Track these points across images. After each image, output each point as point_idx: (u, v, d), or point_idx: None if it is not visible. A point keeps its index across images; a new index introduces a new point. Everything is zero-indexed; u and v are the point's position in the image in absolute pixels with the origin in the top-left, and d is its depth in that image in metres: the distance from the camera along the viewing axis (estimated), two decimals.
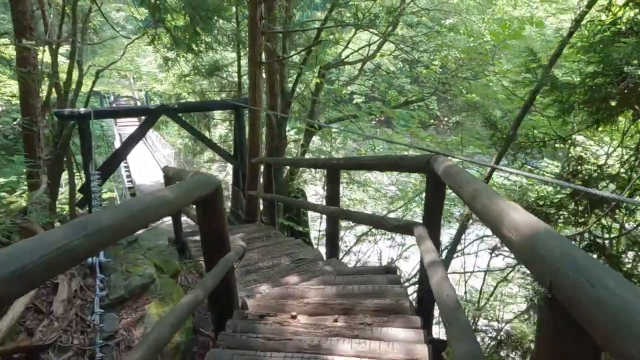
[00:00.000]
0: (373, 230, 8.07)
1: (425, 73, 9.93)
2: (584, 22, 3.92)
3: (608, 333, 0.68)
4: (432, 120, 12.86)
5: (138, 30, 11.54)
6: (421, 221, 2.49)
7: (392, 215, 9.08)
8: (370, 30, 7.74)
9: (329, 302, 2.43)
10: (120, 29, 17.41)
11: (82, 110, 7.01)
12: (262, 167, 6.45)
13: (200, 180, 2.06)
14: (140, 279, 3.04)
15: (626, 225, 3.10)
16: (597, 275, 0.76)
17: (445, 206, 2.51)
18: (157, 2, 6.73)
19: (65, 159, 8.45)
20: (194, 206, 2.42)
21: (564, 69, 5.34)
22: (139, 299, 2.95)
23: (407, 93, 12.21)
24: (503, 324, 5.57)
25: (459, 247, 6.01)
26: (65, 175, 9.21)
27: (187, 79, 11.40)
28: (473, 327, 5.07)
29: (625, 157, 3.13)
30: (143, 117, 8.88)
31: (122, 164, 15.18)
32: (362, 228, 8.64)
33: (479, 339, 4.21)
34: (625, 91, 2.29)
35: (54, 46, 7.50)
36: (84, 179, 7.28)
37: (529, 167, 4.65)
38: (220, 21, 8.68)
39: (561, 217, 2.80)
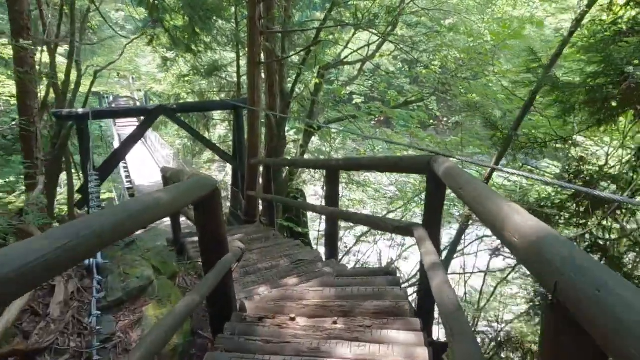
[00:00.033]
0: (372, 230, 8.05)
1: (424, 73, 9.92)
2: (584, 21, 3.90)
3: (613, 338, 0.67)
4: (431, 121, 12.84)
5: (137, 30, 11.52)
6: (421, 222, 2.47)
7: (391, 215, 9.06)
8: (370, 30, 7.72)
9: (328, 304, 2.41)
10: (120, 29, 17.40)
11: (80, 110, 6.99)
12: (261, 168, 6.43)
13: (197, 181, 2.04)
14: (138, 280, 3.01)
15: (627, 226, 3.08)
16: (603, 279, 0.74)
17: (444, 206, 2.49)
18: (156, 2, 6.71)
19: (63, 160, 8.43)
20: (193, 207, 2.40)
21: (563, 69, 5.32)
22: (137, 301, 2.93)
23: (407, 93, 12.20)
24: (503, 325, 5.55)
25: (458, 247, 5.99)
26: (64, 176, 9.18)
27: (186, 79, 11.38)
28: (473, 329, 5.05)
29: (626, 157, 3.12)
30: (142, 118, 8.84)
31: (122, 165, 15.16)
32: (361, 228, 8.62)
33: (479, 339, 4.19)
34: (627, 91, 2.27)
35: (52, 46, 7.47)
36: (82, 179, 7.26)
37: (530, 167, 4.63)
38: (220, 21, 8.65)
39: (562, 218, 2.78)
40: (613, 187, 2.83)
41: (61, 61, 8.82)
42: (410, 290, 5.95)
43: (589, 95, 2.55)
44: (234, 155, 8.50)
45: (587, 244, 2.66)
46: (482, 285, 6.28)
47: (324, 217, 5.77)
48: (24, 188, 5.48)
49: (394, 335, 2.05)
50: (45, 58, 7.63)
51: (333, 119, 10.74)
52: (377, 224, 3.21)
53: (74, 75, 8.55)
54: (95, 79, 9.74)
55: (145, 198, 1.44)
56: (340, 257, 7.10)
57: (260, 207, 6.56)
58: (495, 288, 6.22)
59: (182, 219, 5.14)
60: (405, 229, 2.55)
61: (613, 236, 3.06)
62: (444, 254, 5.50)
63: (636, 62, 2.42)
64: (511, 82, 6.92)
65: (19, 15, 4.10)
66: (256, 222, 6.08)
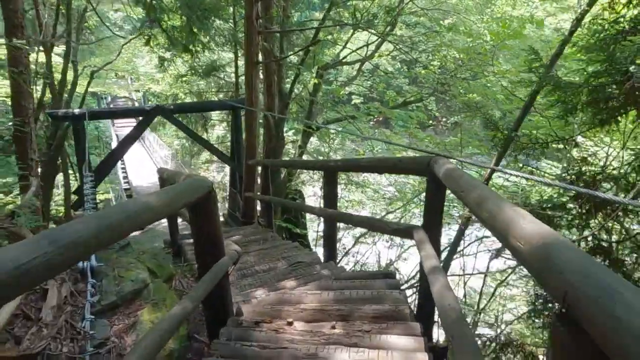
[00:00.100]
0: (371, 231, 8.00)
1: (423, 73, 9.88)
2: (585, 21, 3.87)
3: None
4: (430, 121, 12.81)
5: (135, 30, 11.47)
6: (420, 223, 2.43)
7: (390, 216, 9.03)
8: (369, 30, 7.69)
9: (326, 308, 2.37)
10: (118, 30, 17.35)
11: (77, 110, 6.92)
12: (259, 169, 6.38)
13: (192, 183, 1.99)
14: (132, 284, 2.96)
15: (629, 227, 3.04)
16: (619, 291, 0.69)
17: (444, 207, 2.45)
18: (153, 1, 6.66)
19: (60, 161, 8.36)
20: None
21: (563, 69, 5.29)
22: (132, 304, 2.88)
23: (406, 93, 12.17)
24: (504, 326, 5.52)
25: (458, 248, 5.95)
26: (61, 177, 9.12)
27: (184, 79, 11.32)
28: (473, 331, 5.01)
29: (628, 158, 3.08)
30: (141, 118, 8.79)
31: (119, 165, 15.10)
32: (360, 229, 8.57)
33: (479, 342, 4.15)
34: (631, 91, 2.23)
35: (48, 46, 7.41)
36: (79, 180, 7.20)
37: (530, 168, 4.60)
38: (217, 21, 8.60)
39: (564, 220, 2.74)
40: (615, 188, 2.79)
41: (58, 61, 8.75)
42: (409, 292, 5.92)
43: (591, 95, 2.51)
44: (232, 156, 8.45)
45: (590, 246, 2.62)
46: (482, 286, 6.25)
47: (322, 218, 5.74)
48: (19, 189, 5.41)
49: (394, 340, 2.00)
50: (42, 58, 7.57)
51: (332, 120, 10.70)
52: (376, 225, 3.16)
53: (70, 75, 8.50)
54: (92, 79, 9.67)
55: (131, 203, 1.39)
56: (339, 259, 7.07)
57: (259, 208, 6.51)
58: (495, 289, 6.19)
59: (180, 220, 5.09)
60: (404, 231, 2.51)
61: (615, 238, 3.03)
62: (444, 254, 5.46)
63: (639, 61, 2.38)
64: (511, 82, 6.89)
65: (13, 13, 4.05)
66: (254, 223, 6.04)
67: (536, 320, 3.20)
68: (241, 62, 9.63)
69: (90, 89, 11.18)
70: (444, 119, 14.77)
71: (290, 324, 2.26)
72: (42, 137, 7.27)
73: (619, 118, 2.68)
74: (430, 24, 9.94)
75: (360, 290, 2.53)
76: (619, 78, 2.39)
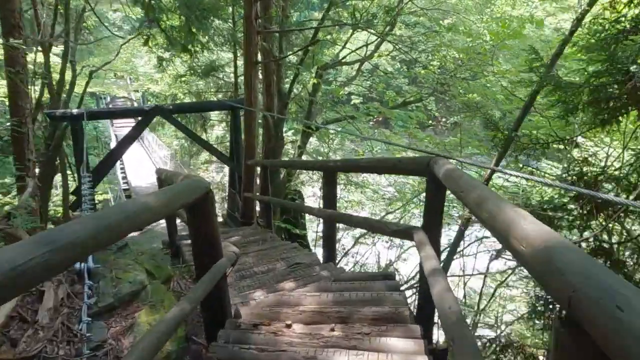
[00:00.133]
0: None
1: (423, 73, 9.86)
2: (585, 20, 3.85)
3: None
4: (430, 121, 12.79)
5: (134, 30, 11.43)
6: (420, 224, 2.41)
7: (390, 216, 9.01)
8: (368, 30, 7.66)
9: (326, 310, 2.34)
10: (117, 30, 17.31)
11: (75, 111, 6.89)
12: (258, 169, 6.35)
13: (189, 184, 1.97)
14: (130, 285, 2.94)
15: (630, 228, 3.02)
16: (626, 297, 0.67)
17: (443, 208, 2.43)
18: (152, 1, 6.63)
19: (58, 161, 8.33)
20: None
21: (563, 69, 5.27)
22: (129, 306, 2.86)
23: (405, 94, 12.15)
24: (503, 327, 5.50)
25: (458, 248, 5.92)
26: (59, 177, 9.08)
27: (183, 79, 11.29)
28: (473, 332, 4.99)
29: (629, 158, 3.05)
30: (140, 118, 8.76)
31: (118, 166, 15.06)
32: (360, 229, 8.55)
33: (479, 344, 4.13)
34: (633, 90, 2.21)
35: (47, 45, 7.38)
36: (77, 180, 7.17)
37: (530, 168, 4.57)
38: (216, 21, 8.57)
39: (565, 220, 2.72)
40: (617, 189, 2.77)
41: (56, 61, 8.72)
42: (409, 292, 5.90)
43: (592, 95, 2.49)
44: (231, 156, 8.43)
45: (591, 247, 2.60)
46: (482, 287, 6.23)
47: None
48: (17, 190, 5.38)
49: (394, 343, 1.98)
50: (40, 58, 7.54)
51: (331, 120, 10.68)
52: (375, 227, 3.14)
53: (68, 75, 8.46)
54: (91, 79, 9.63)
55: (129, 204, 1.37)
56: (338, 259, 7.05)
57: (258, 209, 6.49)
58: (495, 290, 6.17)
59: (179, 220, 5.06)
60: (404, 233, 2.48)
61: (615, 238, 3.01)
62: (444, 255, 5.44)
63: None
64: (510, 82, 6.87)
65: (10, 13, 4.02)
66: (253, 223, 6.02)
67: (537, 322, 3.19)
68: (240, 62, 9.61)
69: (89, 89, 11.15)
70: (443, 119, 14.77)
71: (288, 326, 2.23)
72: (40, 137, 7.24)
73: (620, 118, 2.66)
74: (429, 23, 9.92)
75: (359, 292, 2.51)
76: (621, 78, 2.37)
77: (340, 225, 7.88)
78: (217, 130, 14.45)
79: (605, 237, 2.71)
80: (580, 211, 2.64)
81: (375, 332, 2.08)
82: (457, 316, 1.37)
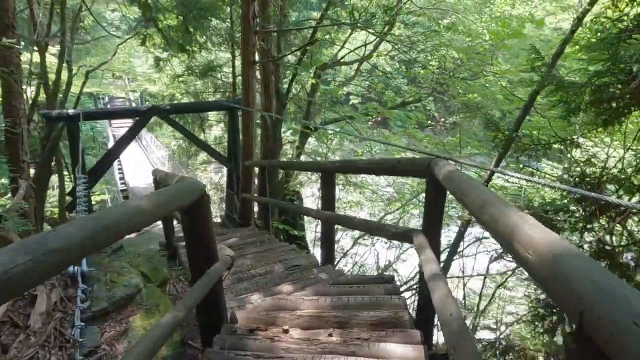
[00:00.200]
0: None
1: (422, 73, 9.82)
2: (585, 19, 3.81)
3: None
4: (429, 121, 12.76)
5: (132, 30, 11.36)
6: (419, 225, 2.36)
7: (389, 217, 8.96)
8: (367, 29, 7.61)
9: (324, 314, 2.29)
10: (115, 30, 17.23)
11: (71, 111, 6.83)
12: (256, 170, 6.30)
13: (183, 187, 1.92)
14: (125, 289, 2.89)
15: (630, 229, 2.98)
16: (622, 294, 0.64)
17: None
18: (149, 0, 6.58)
19: (54, 162, 8.27)
20: None
21: (563, 68, 5.23)
22: (124, 310, 2.81)
23: (404, 94, 12.12)
24: (503, 328, 5.45)
25: (457, 249, 5.88)
26: (56, 178, 9.02)
27: (181, 79, 11.23)
28: (473, 334, 4.95)
29: (630, 159, 3.02)
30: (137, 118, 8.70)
31: (116, 166, 15.00)
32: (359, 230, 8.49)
33: (480, 346, 4.08)
34: (636, 90, 2.16)
35: (43, 45, 7.32)
36: (74, 181, 7.11)
37: (531, 169, 4.53)
38: (214, 20, 8.52)
39: (568, 222, 2.67)
40: (619, 190, 2.73)
41: (53, 61, 8.66)
42: (408, 294, 5.85)
43: (594, 95, 2.45)
44: (229, 157, 8.37)
45: (594, 249, 2.56)
46: (482, 288, 6.18)
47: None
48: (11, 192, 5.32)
49: (393, 349, 1.93)
50: (36, 58, 7.48)
51: (330, 120, 10.63)
52: (375, 229, 3.09)
53: (65, 75, 8.40)
54: (87, 79, 9.57)
55: (118, 209, 1.33)
56: (337, 260, 7.00)
57: (256, 210, 6.44)
58: (495, 291, 6.12)
59: (176, 222, 5.00)
60: (404, 235, 2.44)
61: (616, 239, 2.97)
62: (444, 255, 5.40)
63: None
64: (510, 82, 6.83)
65: (4, 12, 3.96)
66: (251, 225, 5.97)
67: (537, 325, 3.14)
68: (238, 62, 9.55)
69: (87, 90, 11.09)
70: (442, 119, 14.74)
71: (286, 331, 2.19)
72: (36, 138, 7.18)
73: (623, 118, 2.62)
74: (428, 23, 9.88)
75: (358, 296, 2.46)
76: (623, 77, 2.33)
77: (339, 226, 7.84)
78: (215, 130, 14.39)
79: (607, 239, 2.67)
80: (583, 213, 2.60)
81: (375, 338, 2.03)
82: (459, 323, 1.33)
